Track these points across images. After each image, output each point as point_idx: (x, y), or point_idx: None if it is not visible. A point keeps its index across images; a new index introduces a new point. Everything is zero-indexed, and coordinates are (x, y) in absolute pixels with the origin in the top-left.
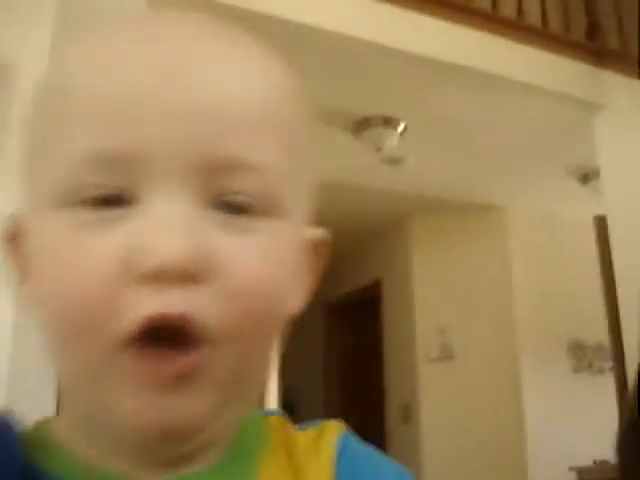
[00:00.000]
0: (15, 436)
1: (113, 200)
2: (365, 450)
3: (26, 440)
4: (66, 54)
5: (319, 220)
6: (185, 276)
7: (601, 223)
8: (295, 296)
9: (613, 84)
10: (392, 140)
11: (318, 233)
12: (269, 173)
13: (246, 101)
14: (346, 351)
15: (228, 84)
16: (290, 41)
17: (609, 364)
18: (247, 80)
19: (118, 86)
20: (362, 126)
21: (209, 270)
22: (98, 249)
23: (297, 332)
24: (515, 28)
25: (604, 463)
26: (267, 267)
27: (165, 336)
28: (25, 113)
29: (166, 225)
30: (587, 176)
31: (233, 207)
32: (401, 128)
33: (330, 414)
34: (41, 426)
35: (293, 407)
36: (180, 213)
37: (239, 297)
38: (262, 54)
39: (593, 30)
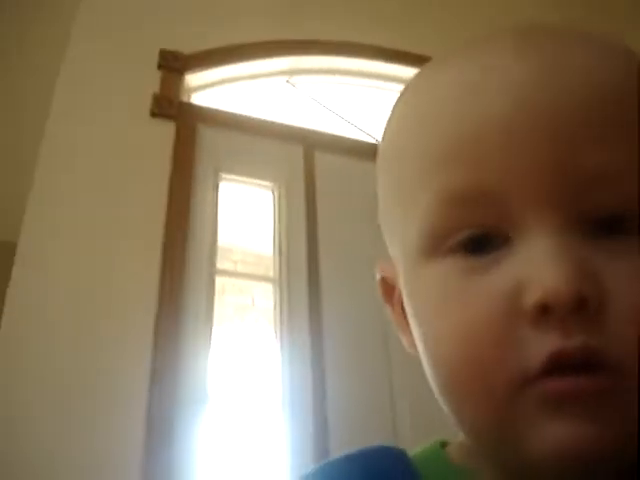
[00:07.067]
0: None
1: (483, 242)
2: None
3: (415, 457)
4: (417, 85)
5: None
6: (576, 306)
7: None
8: None
9: None
10: None
11: None
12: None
13: (592, 101)
14: None
15: (573, 89)
16: None
17: None
18: (589, 78)
19: (469, 121)
20: None
21: (599, 297)
22: (481, 292)
23: None
24: None
25: None
26: None
27: (565, 367)
28: (383, 153)
29: (545, 257)
30: None
31: (607, 225)
32: None
33: None
34: (436, 446)
35: None
36: (558, 243)
37: (636, 322)
38: (598, 47)
39: None
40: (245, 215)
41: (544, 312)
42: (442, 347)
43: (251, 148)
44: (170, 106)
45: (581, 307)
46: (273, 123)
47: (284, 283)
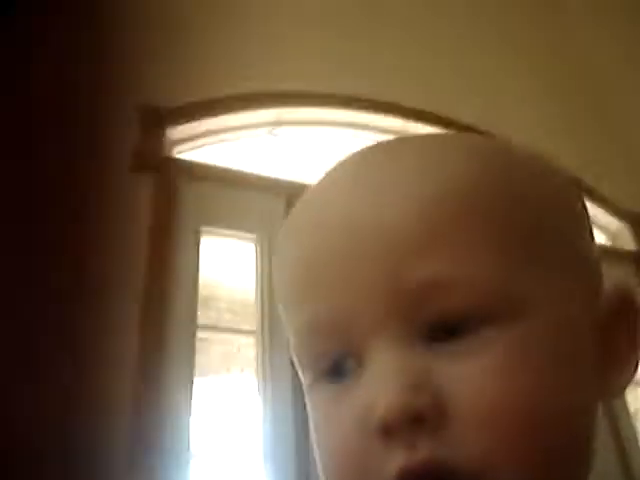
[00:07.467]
0: None
1: (340, 369)
2: None
3: None
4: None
5: None
6: (413, 420)
7: None
8: (587, 387)
9: None
10: None
11: (613, 300)
12: (480, 280)
13: (413, 215)
14: None
15: (389, 209)
16: None
17: None
18: (407, 191)
19: (305, 259)
20: None
21: (439, 407)
22: (340, 418)
23: None
24: None
25: None
26: (505, 382)
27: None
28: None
29: (382, 376)
30: None
31: (446, 330)
32: None
33: None
34: None
35: None
36: (394, 359)
37: (483, 423)
38: (429, 160)
39: None
40: (230, 264)
41: (388, 430)
42: (320, 469)
43: (233, 201)
44: (150, 161)
45: (420, 420)
46: (254, 175)
47: (266, 335)
